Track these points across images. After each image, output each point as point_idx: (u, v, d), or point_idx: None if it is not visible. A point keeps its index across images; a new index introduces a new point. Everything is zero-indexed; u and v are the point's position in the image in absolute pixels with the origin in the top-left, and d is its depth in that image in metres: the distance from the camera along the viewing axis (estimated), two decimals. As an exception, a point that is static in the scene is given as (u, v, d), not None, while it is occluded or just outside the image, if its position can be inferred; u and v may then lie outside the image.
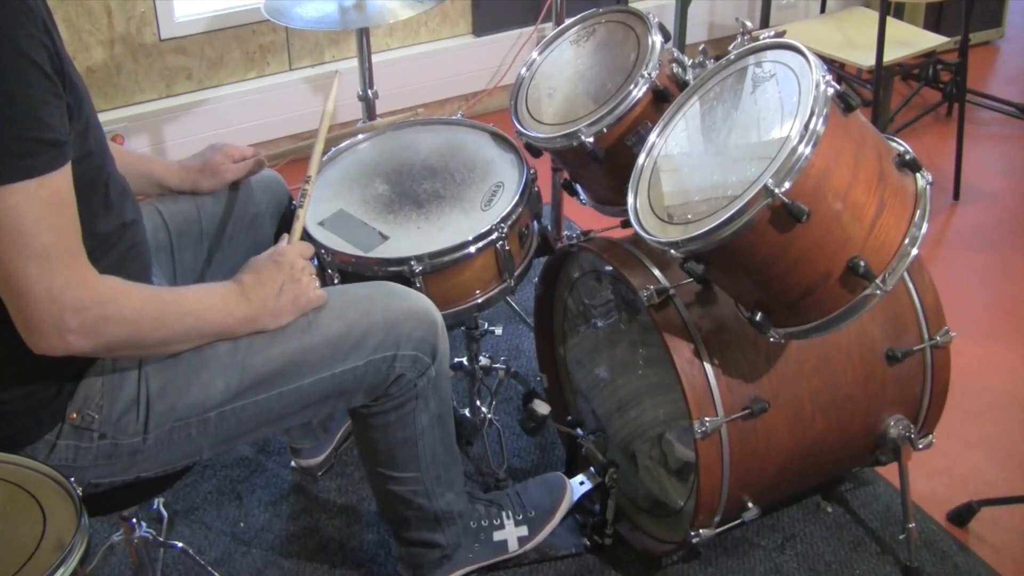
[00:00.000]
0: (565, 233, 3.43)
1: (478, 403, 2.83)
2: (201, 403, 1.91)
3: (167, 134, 4.03)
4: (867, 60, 3.74)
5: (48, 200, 1.60)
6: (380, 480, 2.29)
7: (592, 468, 2.52)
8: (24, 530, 1.47)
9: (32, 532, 1.47)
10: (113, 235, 1.86)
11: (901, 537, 2.48)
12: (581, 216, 3.62)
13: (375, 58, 3.33)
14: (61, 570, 1.41)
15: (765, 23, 4.43)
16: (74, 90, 1.68)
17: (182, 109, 4.03)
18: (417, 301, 2.12)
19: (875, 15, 3.66)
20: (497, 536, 2.46)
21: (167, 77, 4.02)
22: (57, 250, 1.62)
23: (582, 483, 2.53)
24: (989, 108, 4.55)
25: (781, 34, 2.10)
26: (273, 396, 1.97)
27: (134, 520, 2.20)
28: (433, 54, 4.46)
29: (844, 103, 1.90)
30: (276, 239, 2.41)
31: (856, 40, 3.90)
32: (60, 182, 1.62)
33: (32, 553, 1.43)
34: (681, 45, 4.11)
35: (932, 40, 3.94)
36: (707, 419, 2.15)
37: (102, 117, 3.74)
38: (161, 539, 2.32)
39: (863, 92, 4.11)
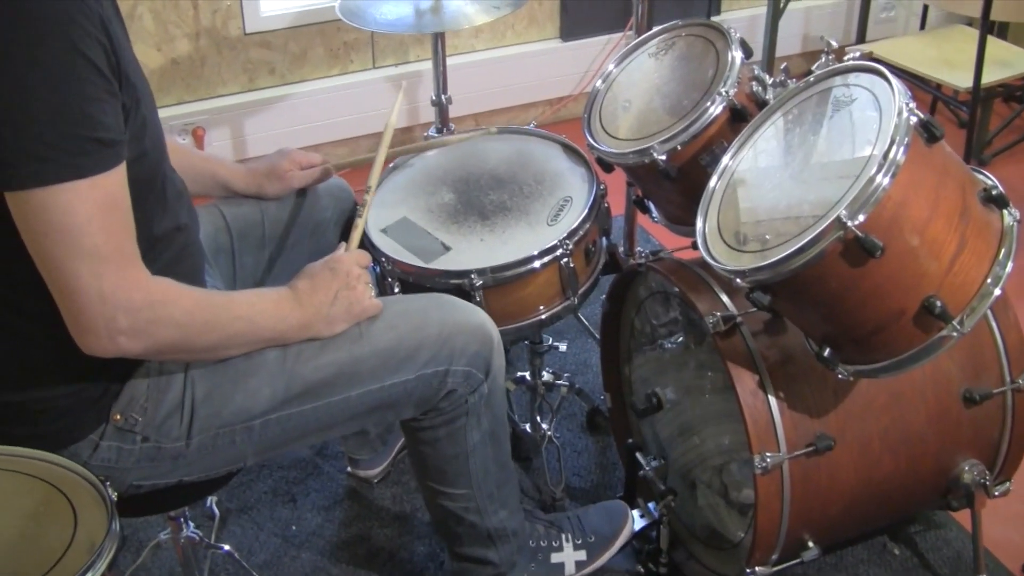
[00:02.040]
0: (638, 249, 3.36)
1: (539, 419, 2.77)
2: (246, 410, 1.88)
3: (248, 128, 4.02)
4: (964, 81, 3.62)
5: (101, 200, 1.58)
6: (432, 494, 2.25)
7: (650, 504, 2.46)
8: (55, 531, 1.47)
9: (62, 534, 1.47)
10: (167, 237, 1.84)
11: (971, 587, 2.38)
12: (657, 231, 3.55)
13: (457, 60, 3.31)
14: (89, 574, 1.40)
15: (862, 37, 4.33)
16: (131, 89, 1.66)
17: (264, 103, 4.03)
18: (473, 315, 2.07)
19: (975, 34, 3.54)
20: (555, 558, 2.41)
21: (250, 71, 4.02)
22: (109, 250, 1.60)
23: (642, 516, 2.48)
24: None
25: (868, 55, 2.01)
26: (320, 406, 1.94)
27: (181, 520, 2.20)
28: (518, 57, 4.40)
29: (927, 132, 1.81)
30: (338, 246, 2.39)
31: (954, 59, 3.78)
32: (114, 182, 1.61)
33: (61, 556, 1.43)
34: (771, 57, 4.02)
35: (1035, 61, 3.80)
36: (768, 454, 2.07)
37: (184, 109, 3.86)
38: (208, 540, 2.31)
39: (960, 114, 3.99)
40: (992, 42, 3.62)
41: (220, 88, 4.00)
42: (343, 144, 4.15)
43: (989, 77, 3.60)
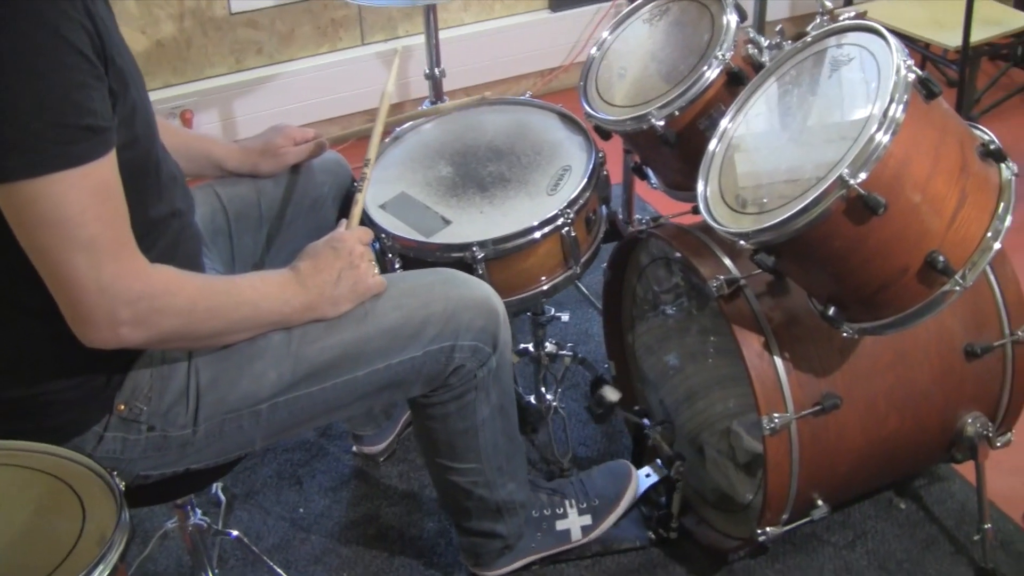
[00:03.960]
0: (637, 216, 3.36)
1: (543, 390, 2.77)
2: (253, 395, 1.87)
3: (237, 109, 4.01)
4: (954, 40, 3.62)
5: (94, 189, 1.55)
6: (440, 470, 2.25)
7: (659, 460, 2.46)
8: (63, 525, 1.45)
9: (71, 527, 1.44)
10: (163, 222, 1.82)
11: (976, 538, 2.39)
12: (654, 197, 3.54)
13: (447, 33, 3.30)
14: (100, 567, 1.37)
15: (849, 0, 4.31)
16: (118, 73, 1.62)
17: (252, 84, 4.01)
18: (478, 289, 2.06)
19: (963, -7, 3.54)
20: (560, 525, 2.41)
21: (237, 51, 4.00)
22: (105, 240, 1.57)
23: (648, 475, 2.47)
24: (1079, 89, 4.38)
25: (862, 15, 2.01)
26: (327, 387, 1.92)
27: (188, 507, 2.18)
28: (508, 29, 4.39)
29: (926, 89, 1.81)
30: (337, 222, 2.38)
31: (943, 19, 3.78)
32: (105, 170, 1.57)
33: (71, 549, 1.41)
34: (761, 22, 4.00)
35: (1022, 19, 3.79)
36: (776, 415, 2.08)
37: (171, 92, 3.84)
38: (216, 527, 2.30)
39: (949, 73, 3.99)
40: (979, 1, 3.61)
41: (207, 70, 3.98)
42: (334, 122, 4.14)
43: (977, 36, 3.59)
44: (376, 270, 1.97)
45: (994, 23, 3.72)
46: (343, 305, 1.92)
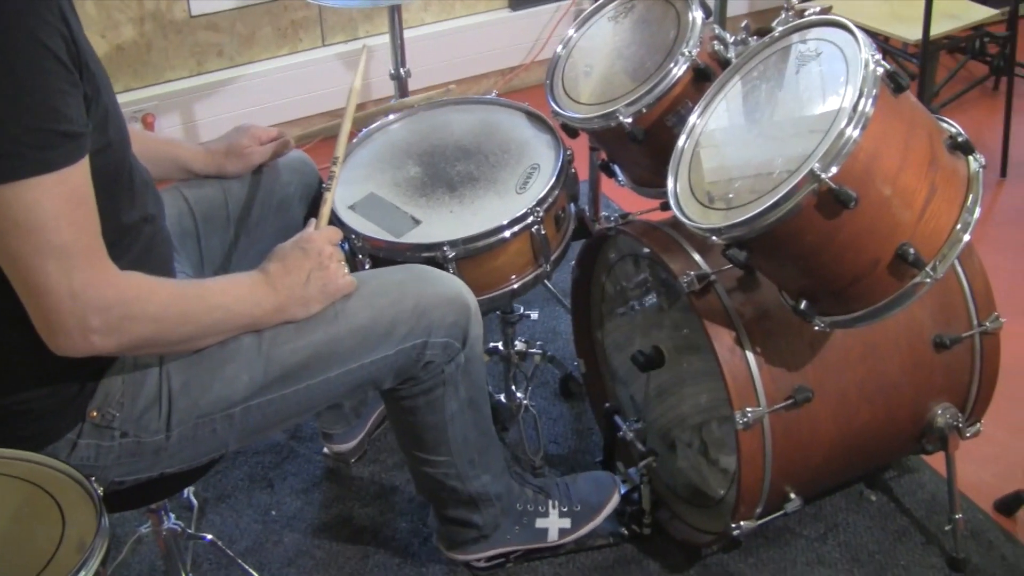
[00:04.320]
0: (603, 214, 3.36)
1: (514, 388, 2.77)
2: (225, 398, 1.86)
3: (198, 112, 3.98)
4: (914, 34, 3.65)
5: (67, 195, 1.54)
6: (414, 460, 2.26)
7: (631, 470, 2.48)
8: (42, 532, 1.43)
9: (51, 534, 1.42)
10: (136, 228, 1.81)
11: (948, 528, 2.41)
12: (619, 195, 3.55)
13: (408, 34, 3.27)
14: (82, 573, 1.36)
15: (807, -5, 4.34)
16: (92, 79, 1.61)
17: (213, 87, 3.99)
18: (449, 284, 2.06)
19: (922, -13, 3.56)
20: (540, 523, 2.42)
21: (198, 54, 3.97)
22: (78, 247, 1.56)
23: (623, 482, 2.49)
24: (1037, 81, 4.43)
25: (827, 10, 2.02)
26: (300, 389, 1.92)
27: (162, 512, 2.17)
28: (468, 29, 4.39)
29: (894, 83, 1.82)
30: (305, 222, 2.36)
31: (902, 13, 3.81)
32: (79, 176, 1.56)
33: (51, 556, 1.39)
34: (722, 18, 4.01)
35: (981, 12, 3.83)
36: (749, 409, 2.08)
37: (132, 96, 3.81)
38: (190, 531, 2.28)
39: (908, 66, 4.02)
40: (939, -6, 3.65)
41: (168, 73, 3.95)
42: (296, 124, 4.11)
43: (937, 29, 3.63)
44: (346, 270, 1.96)
45: (953, 16, 3.76)
46: (313, 306, 1.91)
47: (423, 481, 2.30)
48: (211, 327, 1.81)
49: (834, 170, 1.74)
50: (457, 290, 2.06)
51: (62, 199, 1.53)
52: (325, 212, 2.08)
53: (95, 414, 1.78)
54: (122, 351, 1.70)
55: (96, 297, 1.59)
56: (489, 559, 2.42)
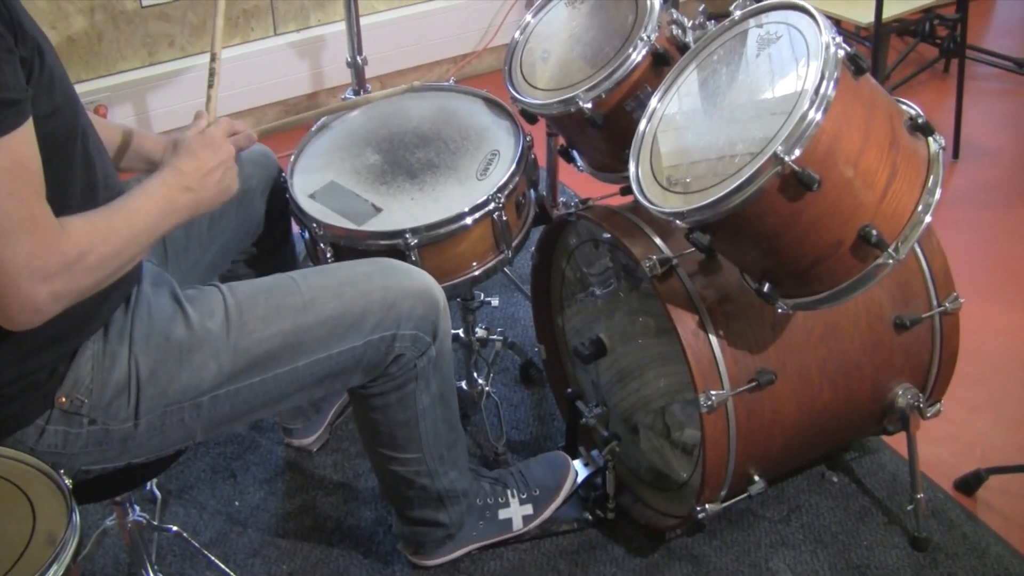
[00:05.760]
0: (561, 200, 3.37)
1: (475, 375, 2.77)
2: (194, 387, 1.85)
3: (151, 103, 3.94)
4: (865, 16, 3.67)
5: (7, 164, 1.50)
6: (381, 460, 2.25)
7: (594, 452, 2.49)
8: (12, 526, 1.42)
9: (21, 528, 1.42)
10: (93, 191, 1.77)
11: (909, 507, 2.43)
12: (577, 182, 3.55)
13: (362, 21, 3.25)
14: (54, 568, 1.36)
15: (758, -21, 4.35)
16: (29, 41, 1.57)
17: (165, 77, 3.94)
18: (418, 278, 2.06)
19: (873, -30, 3.58)
20: (502, 514, 2.42)
21: (149, 45, 3.93)
22: (19, 217, 1.52)
23: (586, 464, 2.49)
24: (987, 64, 4.46)
25: (782, -7, 2.02)
26: (268, 379, 1.92)
27: (127, 504, 2.15)
28: (421, 16, 4.36)
29: (855, 66, 1.84)
30: (267, 215, 2.35)
31: (854, -5, 3.83)
32: (19, 143, 1.52)
33: (23, 551, 1.38)
34: (677, 1, 4.04)
35: (930, -5, 3.86)
36: (713, 393, 2.09)
37: (84, 87, 3.77)
38: (155, 523, 2.27)
39: (860, 49, 4.03)
40: (889, -23, 3.67)
41: (120, 64, 3.91)
42: (248, 114, 4.08)
43: (888, 12, 3.65)
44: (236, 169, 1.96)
45: (903, -1, 3.79)
46: (217, 202, 1.90)
47: (390, 481, 2.28)
48: (140, 250, 1.77)
49: (797, 152, 1.75)
50: (427, 284, 2.06)
51: (2, 169, 1.50)
52: (212, 107, 2.06)
53: (64, 400, 1.77)
54: (68, 306, 1.65)
55: (41, 267, 1.55)
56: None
